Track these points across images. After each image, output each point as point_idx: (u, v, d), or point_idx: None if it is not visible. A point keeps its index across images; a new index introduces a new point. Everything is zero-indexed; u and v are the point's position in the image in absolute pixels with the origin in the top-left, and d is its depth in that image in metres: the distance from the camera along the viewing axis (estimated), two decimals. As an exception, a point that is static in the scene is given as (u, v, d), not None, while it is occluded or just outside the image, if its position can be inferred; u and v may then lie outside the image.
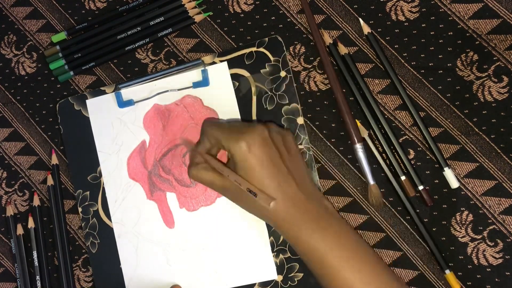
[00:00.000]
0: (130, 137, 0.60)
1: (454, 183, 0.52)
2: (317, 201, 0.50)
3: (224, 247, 0.57)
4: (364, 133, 0.54)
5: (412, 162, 0.54)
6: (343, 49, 0.55)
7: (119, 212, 0.59)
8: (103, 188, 0.60)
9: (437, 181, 0.53)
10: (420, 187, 0.53)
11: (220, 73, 0.58)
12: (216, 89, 0.58)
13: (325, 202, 0.51)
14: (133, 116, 0.60)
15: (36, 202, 0.61)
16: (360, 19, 0.55)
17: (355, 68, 0.54)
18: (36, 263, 0.61)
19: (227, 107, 0.58)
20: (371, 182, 0.54)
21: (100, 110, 0.60)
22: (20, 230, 0.62)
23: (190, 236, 0.58)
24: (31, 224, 0.61)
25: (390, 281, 0.48)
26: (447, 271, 0.52)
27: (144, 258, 0.59)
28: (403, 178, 0.53)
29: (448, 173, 0.52)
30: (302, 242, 0.48)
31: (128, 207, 0.59)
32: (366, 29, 0.55)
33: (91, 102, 0.60)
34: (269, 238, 0.56)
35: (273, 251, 0.56)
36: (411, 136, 0.54)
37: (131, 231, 0.59)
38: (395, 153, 0.54)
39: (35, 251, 0.61)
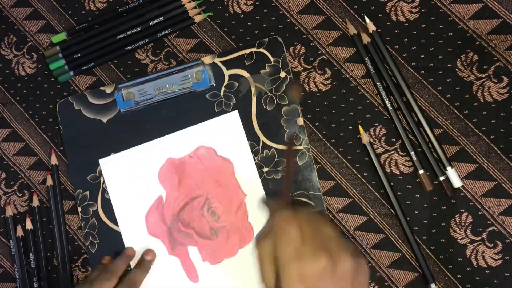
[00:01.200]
0: (147, 194, 0.59)
1: (457, 183, 0.52)
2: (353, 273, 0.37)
3: None
4: (365, 140, 0.54)
5: (410, 164, 0.54)
6: (371, 27, 0.54)
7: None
8: (103, 188, 0.60)
9: (436, 182, 0.53)
10: (441, 178, 0.52)
11: (232, 122, 0.57)
12: (229, 138, 0.57)
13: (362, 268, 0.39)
14: (148, 172, 0.59)
15: (35, 202, 0.61)
16: (366, 17, 0.55)
17: (384, 47, 0.54)
18: (32, 265, 0.61)
19: (240, 155, 0.57)
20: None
21: (114, 168, 0.60)
22: (19, 232, 0.62)
23: None
24: (28, 225, 0.61)
25: None
26: (432, 286, 0.52)
27: None
28: (421, 172, 0.53)
29: (451, 173, 0.52)
30: None
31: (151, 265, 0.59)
32: (371, 28, 0.54)
33: (104, 162, 0.60)
34: None
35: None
36: (411, 136, 0.54)
37: (155, 287, 0.58)
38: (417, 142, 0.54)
39: (32, 253, 0.61)
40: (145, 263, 0.58)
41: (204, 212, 0.58)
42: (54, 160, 0.61)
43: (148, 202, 0.59)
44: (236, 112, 0.57)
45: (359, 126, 0.55)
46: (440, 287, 0.53)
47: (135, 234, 0.59)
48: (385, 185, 0.54)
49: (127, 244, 0.59)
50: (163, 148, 0.59)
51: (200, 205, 0.58)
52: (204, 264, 0.57)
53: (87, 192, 0.60)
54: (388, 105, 0.53)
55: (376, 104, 0.55)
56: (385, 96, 0.54)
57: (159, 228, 0.59)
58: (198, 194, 0.58)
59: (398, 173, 0.54)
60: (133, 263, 0.58)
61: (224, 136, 0.57)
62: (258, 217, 0.56)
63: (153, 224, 0.59)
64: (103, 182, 0.60)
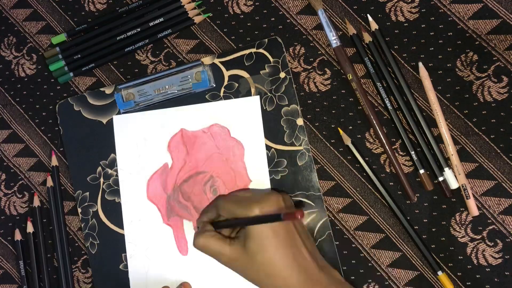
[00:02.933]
0: (153, 159, 0.59)
1: (453, 184, 0.52)
2: (328, 272, 0.49)
3: (236, 281, 0.55)
4: (347, 141, 0.54)
5: (410, 163, 0.54)
6: (373, 25, 0.54)
7: (134, 233, 0.59)
8: (103, 189, 0.60)
9: (436, 181, 0.53)
10: (441, 178, 0.53)
11: (252, 107, 0.57)
12: (245, 121, 0.57)
13: (335, 273, 0.51)
14: (158, 137, 0.59)
15: (36, 202, 0.61)
16: (369, 16, 0.55)
17: (385, 45, 0.54)
18: (34, 267, 0.61)
19: (253, 141, 0.57)
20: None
21: (126, 128, 0.60)
22: (18, 236, 0.62)
23: (202, 266, 0.57)
24: (30, 229, 0.61)
25: None
26: (440, 273, 0.52)
27: (154, 282, 0.58)
28: (421, 171, 0.53)
29: (448, 174, 0.52)
30: None
31: (143, 229, 0.59)
32: (374, 26, 0.54)
33: (117, 119, 0.60)
34: None
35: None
36: (411, 136, 0.54)
37: (144, 252, 0.59)
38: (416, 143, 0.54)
39: (34, 255, 0.61)
40: None
41: (206, 188, 0.58)
42: (54, 161, 0.61)
43: (153, 167, 0.59)
44: (257, 97, 0.57)
45: (339, 129, 0.55)
46: (448, 273, 0.53)
47: (134, 196, 0.59)
48: (377, 186, 0.54)
49: (124, 205, 0.59)
50: (178, 118, 0.59)
51: (204, 181, 0.58)
52: None
53: (87, 193, 0.60)
54: (388, 105, 0.54)
55: (376, 104, 0.55)
56: (385, 96, 0.54)
57: (159, 195, 0.59)
58: (204, 169, 0.58)
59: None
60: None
61: (241, 118, 0.57)
62: None
63: (153, 189, 0.59)
64: (103, 183, 0.60)
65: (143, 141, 0.59)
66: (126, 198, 0.59)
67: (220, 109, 0.58)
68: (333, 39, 0.55)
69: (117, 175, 0.60)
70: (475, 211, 0.52)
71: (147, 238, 0.59)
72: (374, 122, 0.54)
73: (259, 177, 0.57)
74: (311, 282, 0.47)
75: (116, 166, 0.60)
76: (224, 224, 0.51)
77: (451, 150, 0.52)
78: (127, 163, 0.60)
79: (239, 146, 0.57)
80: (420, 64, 0.53)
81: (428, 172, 0.53)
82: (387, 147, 0.53)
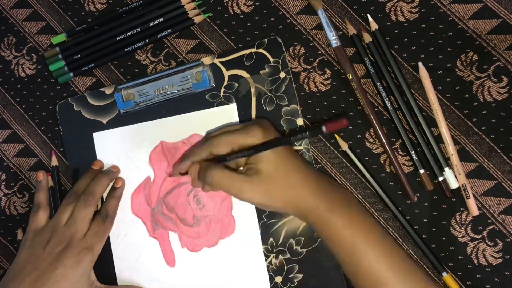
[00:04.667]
0: (135, 173, 0.59)
1: (453, 184, 0.52)
2: (338, 188, 0.52)
3: None
4: (344, 146, 0.54)
5: (411, 162, 0.54)
6: (373, 25, 0.55)
7: (121, 247, 0.59)
8: (103, 190, 0.60)
9: (436, 181, 0.53)
10: (441, 178, 0.53)
11: (228, 114, 0.57)
12: None
13: (346, 191, 0.54)
14: (139, 152, 0.59)
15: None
16: (369, 16, 0.55)
17: (385, 45, 0.54)
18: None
19: None
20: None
21: (107, 144, 0.60)
22: (20, 236, 0.62)
23: (191, 277, 0.58)
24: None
25: (417, 272, 0.48)
26: (444, 274, 0.52)
27: None
28: (421, 171, 0.53)
29: (448, 174, 0.52)
30: (328, 228, 0.48)
31: (130, 243, 0.59)
32: (374, 26, 0.54)
33: (98, 136, 0.60)
34: (267, 273, 0.56)
35: (272, 252, 0.56)
36: (411, 136, 0.54)
37: (132, 266, 0.59)
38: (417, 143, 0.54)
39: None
40: (116, 191, 0.59)
41: (189, 199, 0.58)
42: (54, 161, 0.61)
43: (135, 181, 0.59)
44: (234, 105, 0.57)
45: (335, 135, 0.55)
46: (452, 275, 0.53)
47: (118, 211, 0.59)
48: (375, 188, 0.54)
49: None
50: (157, 131, 0.59)
51: (187, 192, 0.58)
52: (183, 251, 0.58)
53: (88, 193, 0.60)
54: (388, 105, 0.54)
55: (376, 104, 0.55)
56: (385, 96, 0.54)
57: (143, 208, 0.59)
58: (186, 180, 0.58)
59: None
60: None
61: (219, 126, 0.58)
62: (242, 212, 0.57)
63: (137, 203, 0.59)
64: None
65: (124, 156, 0.60)
66: None
67: (198, 119, 0.58)
68: (333, 39, 0.55)
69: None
70: (475, 211, 0.52)
71: (134, 252, 0.59)
72: (374, 122, 0.54)
73: None
74: (326, 193, 0.49)
75: None
76: (228, 156, 0.50)
77: (451, 150, 0.52)
78: None
79: None
80: (420, 64, 0.53)
81: (428, 172, 0.53)
82: (387, 147, 0.54)
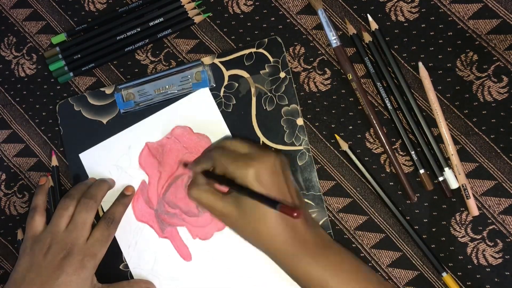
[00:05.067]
0: (130, 181, 0.59)
1: (453, 184, 0.52)
2: (315, 230, 0.49)
3: (245, 271, 0.56)
4: (344, 146, 0.54)
5: (410, 163, 0.54)
6: (373, 25, 0.54)
7: (135, 257, 0.59)
8: (103, 189, 0.60)
9: (436, 181, 0.53)
10: (441, 178, 0.53)
11: (202, 98, 0.58)
12: (202, 114, 0.58)
13: (323, 233, 0.51)
14: (128, 159, 0.59)
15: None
16: (369, 15, 0.55)
17: (385, 45, 0.54)
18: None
19: (216, 129, 0.57)
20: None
21: (95, 161, 0.60)
22: (20, 235, 0.62)
23: (210, 266, 0.57)
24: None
25: None
26: (444, 274, 0.52)
27: None
28: (421, 171, 0.53)
29: (448, 174, 0.52)
30: (301, 271, 0.47)
31: (143, 250, 0.59)
32: (374, 26, 0.54)
33: (84, 156, 0.60)
34: None
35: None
36: (411, 136, 0.54)
37: (150, 273, 0.59)
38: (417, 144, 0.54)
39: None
40: (125, 198, 0.58)
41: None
42: (54, 162, 0.61)
43: None
44: (206, 89, 0.58)
45: (335, 135, 0.55)
46: (452, 275, 0.53)
47: (123, 222, 0.59)
48: (376, 189, 0.54)
49: (117, 233, 0.59)
50: (139, 134, 0.59)
51: (184, 184, 0.58)
52: (196, 242, 0.58)
53: (88, 193, 0.60)
54: (388, 105, 0.54)
55: (376, 104, 0.55)
56: (385, 96, 0.54)
57: (146, 212, 0.59)
58: (180, 173, 0.58)
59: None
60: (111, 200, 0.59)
61: (197, 113, 0.58)
62: None
63: (139, 209, 0.59)
64: None
65: (114, 167, 0.60)
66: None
67: (175, 111, 0.58)
68: (333, 39, 0.55)
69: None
70: (475, 211, 0.52)
71: (149, 257, 0.59)
72: (374, 122, 0.54)
73: None
74: (297, 241, 0.47)
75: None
76: (217, 180, 0.50)
77: (451, 150, 0.52)
78: (106, 193, 0.59)
79: (205, 139, 0.58)
80: (420, 64, 0.53)
81: (428, 172, 0.53)
82: (387, 147, 0.54)
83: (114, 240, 0.59)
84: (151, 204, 0.59)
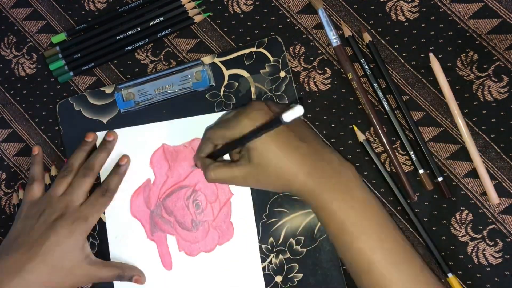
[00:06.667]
0: (136, 175, 0.59)
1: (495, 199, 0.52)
2: (338, 166, 0.49)
3: None
4: (361, 137, 0.54)
5: (410, 162, 0.54)
6: (366, 38, 0.55)
7: (118, 249, 0.59)
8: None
9: (436, 181, 0.53)
10: (440, 179, 0.53)
11: None
12: None
13: (347, 167, 0.50)
14: (140, 153, 0.59)
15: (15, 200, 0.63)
16: (362, 28, 0.55)
17: (379, 57, 0.54)
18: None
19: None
20: None
21: None
22: (15, 199, 0.62)
23: (187, 281, 0.57)
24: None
25: (412, 257, 0.47)
26: (450, 275, 0.52)
27: None
28: (421, 171, 0.53)
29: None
30: (325, 209, 0.47)
31: (128, 245, 0.59)
32: (367, 38, 0.54)
33: (100, 136, 0.60)
34: (262, 264, 0.56)
35: (272, 252, 0.56)
36: (411, 136, 0.54)
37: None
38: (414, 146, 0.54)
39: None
40: (119, 168, 0.59)
41: (189, 203, 0.58)
42: (54, 172, 0.61)
43: (135, 183, 0.59)
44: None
45: (354, 126, 0.55)
46: (457, 278, 0.53)
47: (117, 212, 0.59)
48: (388, 181, 0.54)
49: (108, 221, 0.59)
50: (159, 133, 0.59)
51: (186, 196, 0.58)
52: (180, 254, 0.58)
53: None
54: (386, 105, 0.54)
55: (376, 103, 0.55)
56: (383, 97, 0.54)
57: (142, 210, 0.59)
58: (186, 184, 0.58)
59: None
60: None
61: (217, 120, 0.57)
62: (241, 218, 0.57)
63: (136, 205, 0.59)
64: (105, 216, 0.59)
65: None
66: (110, 214, 0.59)
67: (200, 123, 0.58)
68: (333, 38, 0.55)
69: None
70: (496, 199, 0.52)
71: (131, 254, 0.59)
72: (374, 121, 0.54)
73: (241, 189, 0.57)
74: (315, 171, 0.47)
75: None
76: (222, 152, 0.51)
77: (467, 137, 0.52)
78: None
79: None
80: (431, 55, 0.53)
81: (428, 172, 0.53)
82: (387, 146, 0.54)
83: (105, 241, 0.59)
84: (149, 204, 0.59)
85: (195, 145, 0.58)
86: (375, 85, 0.54)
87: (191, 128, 0.58)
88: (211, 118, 0.58)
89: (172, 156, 0.59)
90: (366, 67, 0.54)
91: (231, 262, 0.56)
